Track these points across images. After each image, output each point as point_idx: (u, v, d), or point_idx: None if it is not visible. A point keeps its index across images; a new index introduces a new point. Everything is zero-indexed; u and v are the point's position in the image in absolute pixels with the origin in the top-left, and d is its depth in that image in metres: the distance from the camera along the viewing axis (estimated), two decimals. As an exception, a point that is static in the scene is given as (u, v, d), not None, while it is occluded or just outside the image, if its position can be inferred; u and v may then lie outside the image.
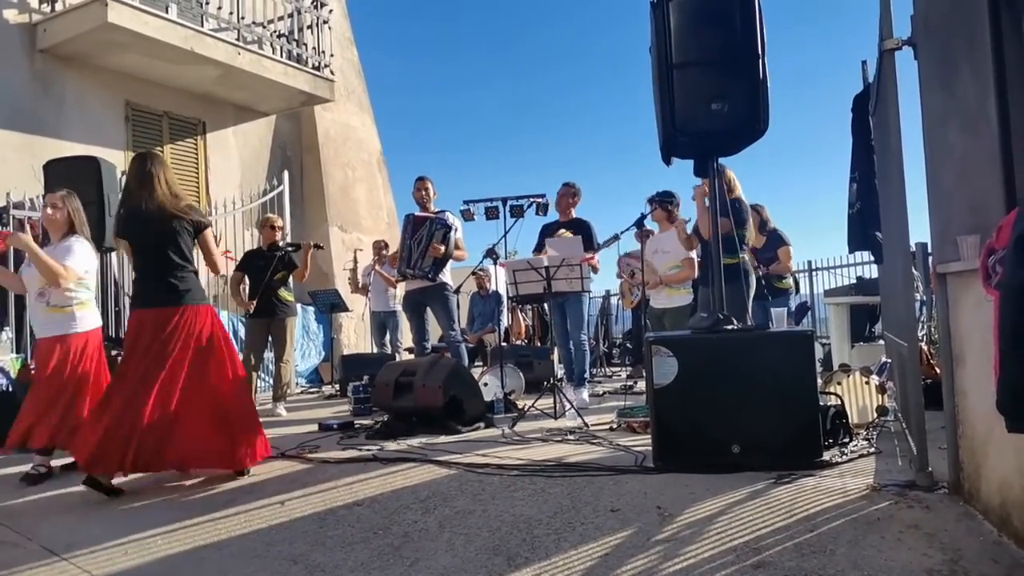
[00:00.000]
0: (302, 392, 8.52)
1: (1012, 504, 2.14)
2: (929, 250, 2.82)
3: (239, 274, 6.25)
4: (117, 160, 7.61)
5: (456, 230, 6.25)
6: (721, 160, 3.87)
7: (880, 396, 3.99)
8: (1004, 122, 2.57)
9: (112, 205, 5.70)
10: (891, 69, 2.81)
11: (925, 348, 4.82)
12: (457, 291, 6.27)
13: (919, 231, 4.91)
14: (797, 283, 8.71)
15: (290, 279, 6.32)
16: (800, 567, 2.11)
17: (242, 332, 7.26)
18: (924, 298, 5.62)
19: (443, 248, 5.99)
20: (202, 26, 8.40)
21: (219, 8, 8.52)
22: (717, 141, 3.56)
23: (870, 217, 3.80)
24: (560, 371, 6.28)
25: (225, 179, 9.54)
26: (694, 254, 5.85)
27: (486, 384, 6.02)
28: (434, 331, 6.65)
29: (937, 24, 2.69)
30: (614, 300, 11.70)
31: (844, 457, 3.25)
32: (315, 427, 5.13)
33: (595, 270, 6.16)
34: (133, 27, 7.48)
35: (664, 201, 6.02)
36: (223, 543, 2.70)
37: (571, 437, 4.24)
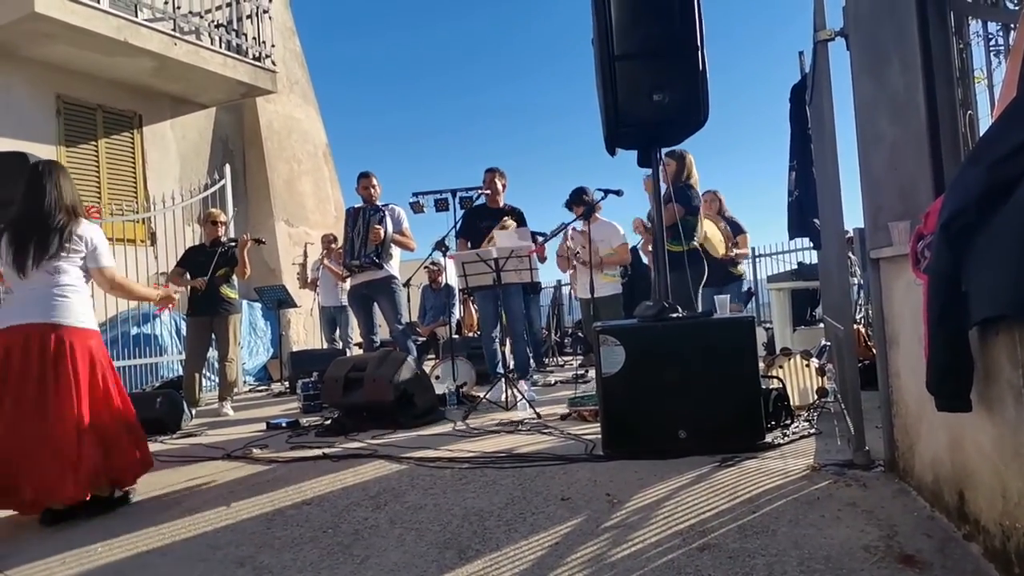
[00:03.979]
0: (250, 390, 8.37)
1: (943, 480, 2.23)
2: (865, 235, 2.90)
3: (179, 270, 6.11)
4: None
5: (402, 220, 6.24)
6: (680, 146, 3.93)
7: (820, 378, 4.11)
8: (932, 111, 2.66)
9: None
10: (825, 59, 2.88)
11: (862, 330, 4.97)
12: (407, 284, 6.25)
13: (856, 217, 5.07)
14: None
15: (234, 276, 6.19)
16: (743, 548, 2.16)
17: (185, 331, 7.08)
18: (862, 281, 5.80)
19: (381, 229, 5.97)
20: (135, 16, 8.12)
21: (153, -3, 8.26)
22: (659, 131, 3.61)
23: (808, 204, 3.88)
24: (511, 361, 6.28)
25: (163, 174, 9.26)
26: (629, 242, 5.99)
27: (438, 377, 6.01)
28: (384, 325, 6.62)
29: (867, 15, 2.76)
30: (565, 290, 11.78)
31: (786, 439, 3.35)
32: (263, 426, 5.04)
33: (542, 260, 6.20)
34: (61, 17, 7.19)
35: (577, 200, 6.19)
36: (167, 548, 2.63)
37: (522, 428, 4.26)
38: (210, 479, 3.58)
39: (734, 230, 6.78)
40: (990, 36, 2.50)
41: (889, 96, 2.71)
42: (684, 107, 3.40)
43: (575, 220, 6.11)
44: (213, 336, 6.09)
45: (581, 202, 6.25)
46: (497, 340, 5.87)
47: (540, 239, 6.17)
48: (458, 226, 6.07)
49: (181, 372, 6.81)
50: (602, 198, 6.06)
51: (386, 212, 6.12)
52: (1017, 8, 2.32)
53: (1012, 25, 2.17)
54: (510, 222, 5.81)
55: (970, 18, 2.63)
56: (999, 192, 1.61)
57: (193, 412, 5.56)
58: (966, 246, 1.70)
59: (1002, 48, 2.43)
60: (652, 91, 3.36)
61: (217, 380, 6.40)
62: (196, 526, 2.83)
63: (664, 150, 4.08)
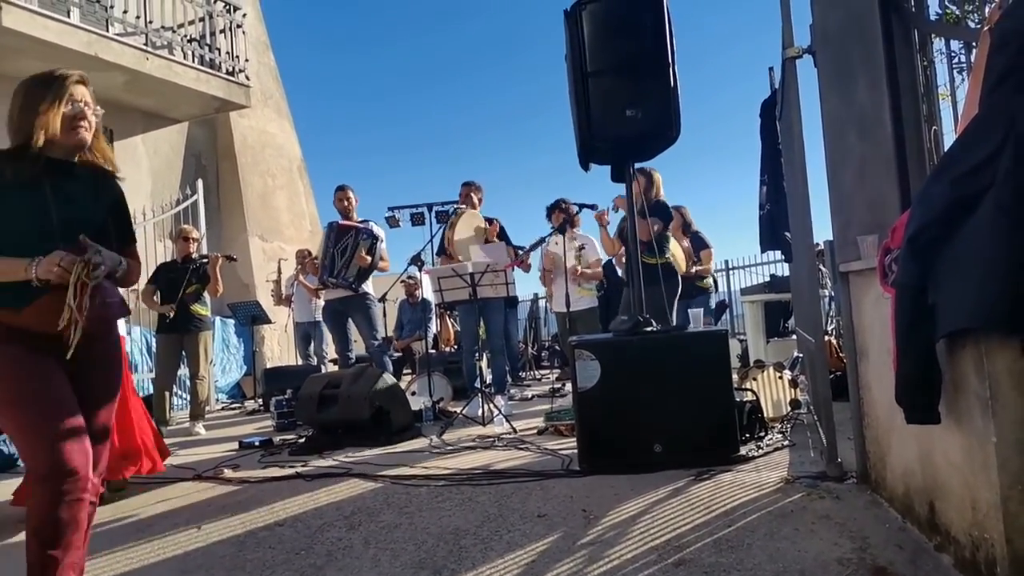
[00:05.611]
0: (223, 408, 8.24)
1: (914, 491, 2.25)
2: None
3: (151, 287, 6.02)
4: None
5: (381, 241, 6.20)
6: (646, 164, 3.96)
7: (793, 390, 4.14)
8: (897, 127, 2.71)
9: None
10: (793, 76, 2.92)
11: (834, 342, 5.03)
12: (383, 298, 6.19)
13: (826, 231, 5.13)
14: (716, 282, 8.97)
15: (205, 293, 6.11)
16: (719, 562, 2.16)
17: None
18: (832, 294, 5.86)
19: (370, 259, 5.92)
20: (107, 31, 8.03)
21: (125, 12, 8.17)
22: (632, 147, 3.65)
23: (779, 218, 3.93)
24: (488, 376, 6.26)
25: (135, 189, 9.12)
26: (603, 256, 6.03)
27: (414, 392, 5.96)
28: (359, 341, 6.56)
29: (834, 34, 2.81)
30: (542, 304, 11.79)
31: (760, 451, 3.36)
32: (235, 445, 4.97)
33: (526, 270, 6.22)
34: (31, 32, 7.08)
35: (556, 210, 6.23)
36: (134, 573, 2.57)
37: (499, 443, 4.24)
38: (180, 501, 3.51)
39: (698, 246, 6.80)
40: (953, 54, 2.55)
41: (856, 112, 2.75)
42: (657, 123, 3.44)
43: (552, 233, 6.14)
44: (184, 353, 6.00)
45: (560, 212, 6.31)
46: (477, 355, 5.85)
47: (520, 252, 6.19)
48: (437, 246, 6.04)
49: (151, 390, 6.69)
50: (578, 211, 6.12)
51: (377, 242, 6.05)
52: (978, 27, 2.37)
53: (974, 43, 2.22)
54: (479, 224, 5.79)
55: (934, 36, 2.69)
56: (963, 207, 1.64)
57: (163, 431, 5.44)
58: (932, 260, 1.73)
59: (965, 65, 2.48)
60: (625, 107, 3.39)
61: (188, 398, 6.29)
62: (165, 550, 2.77)
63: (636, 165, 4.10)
